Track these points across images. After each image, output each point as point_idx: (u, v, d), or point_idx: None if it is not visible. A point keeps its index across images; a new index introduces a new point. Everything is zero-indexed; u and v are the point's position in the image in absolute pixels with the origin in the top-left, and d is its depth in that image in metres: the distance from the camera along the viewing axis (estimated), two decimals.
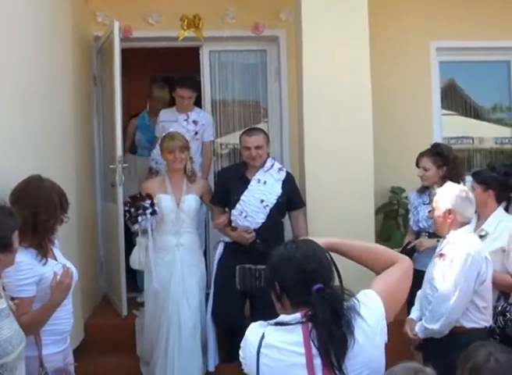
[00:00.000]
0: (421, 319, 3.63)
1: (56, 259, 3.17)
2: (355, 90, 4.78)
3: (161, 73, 7.56)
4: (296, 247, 2.16)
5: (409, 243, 4.49)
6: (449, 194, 3.59)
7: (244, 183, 4.53)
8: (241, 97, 6.28)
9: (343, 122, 4.75)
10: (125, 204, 4.50)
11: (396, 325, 4.33)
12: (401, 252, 4.34)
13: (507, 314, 3.60)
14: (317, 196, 4.79)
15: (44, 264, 3.04)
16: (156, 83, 6.47)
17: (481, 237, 3.81)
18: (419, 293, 3.77)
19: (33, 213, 2.99)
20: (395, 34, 5.82)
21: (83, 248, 4.94)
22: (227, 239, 4.63)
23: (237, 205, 4.49)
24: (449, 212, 3.55)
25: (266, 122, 6.20)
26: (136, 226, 4.44)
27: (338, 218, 4.74)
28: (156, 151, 5.42)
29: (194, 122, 5.54)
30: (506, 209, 4.29)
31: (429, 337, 3.52)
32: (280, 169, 4.63)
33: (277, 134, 6.05)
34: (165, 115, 5.71)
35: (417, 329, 3.59)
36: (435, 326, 3.45)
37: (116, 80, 4.99)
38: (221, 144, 6.22)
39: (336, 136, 4.75)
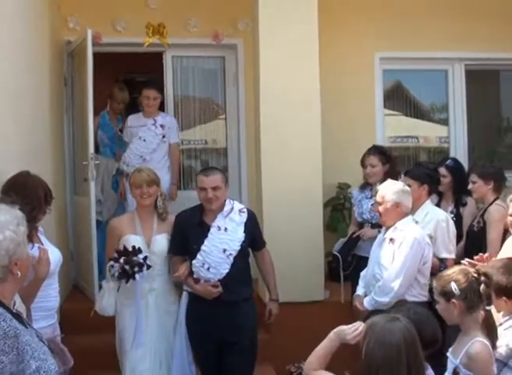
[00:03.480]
0: (365, 295, 4.14)
1: (42, 244, 3.49)
2: (306, 94, 5.29)
3: (125, 74, 7.87)
4: None
5: (353, 233, 4.92)
6: (395, 189, 4.09)
7: (203, 230, 4.07)
8: (201, 98, 6.73)
9: (295, 123, 5.24)
10: (115, 259, 3.96)
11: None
12: (347, 241, 4.93)
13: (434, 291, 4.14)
14: (272, 192, 5.25)
15: (31, 249, 3.39)
16: (117, 85, 6.66)
17: None
18: (363, 273, 4.32)
19: (19, 204, 3.36)
20: (343, 46, 6.33)
21: (57, 239, 5.14)
22: (190, 289, 4.18)
23: (198, 256, 4.04)
24: (397, 205, 4.06)
25: (223, 119, 6.67)
26: (129, 281, 3.98)
27: (291, 212, 5.23)
28: (127, 154, 5.74)
29: (162, 126, 5.82)
30: (438, 205, 4.89)
31: (376, 310, 3.93)
32: (241, 211, 4.16)
33: (235, 133, 6.54)
34: (132, 120, 5.94)
35: (365, 303, 4.08)
36: (385, 299, 3.94)
37: (89, 83, 5.36)
38: (182, 141, 6.48)
39: (289, 136, 5.23)
